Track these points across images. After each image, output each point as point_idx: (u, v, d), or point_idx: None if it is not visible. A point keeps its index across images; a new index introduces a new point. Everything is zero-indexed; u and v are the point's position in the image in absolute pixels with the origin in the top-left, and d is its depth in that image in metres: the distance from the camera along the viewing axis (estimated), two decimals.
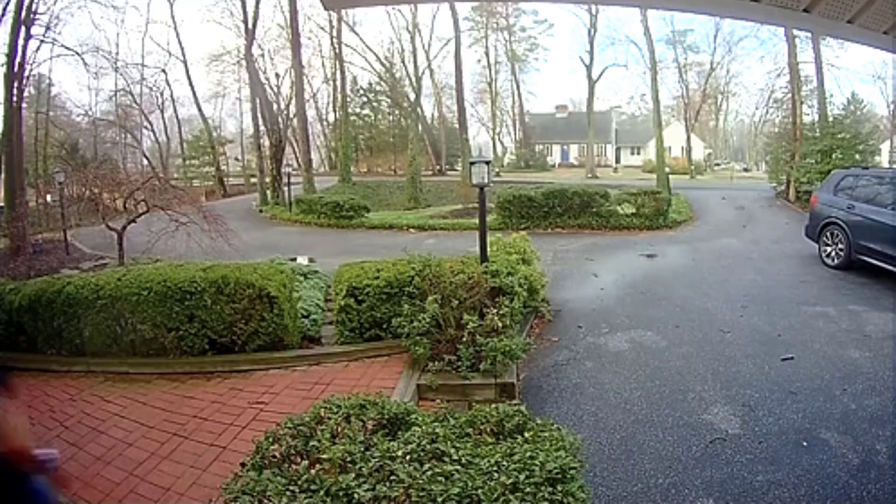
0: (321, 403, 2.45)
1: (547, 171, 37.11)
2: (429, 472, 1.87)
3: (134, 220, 9.73)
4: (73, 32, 47.50)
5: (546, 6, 62.24)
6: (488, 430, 2.29)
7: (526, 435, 2.17)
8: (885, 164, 24.42)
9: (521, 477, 1.86)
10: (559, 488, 1.86)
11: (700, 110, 35.88)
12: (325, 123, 37.29)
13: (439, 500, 1.77)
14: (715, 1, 2.56)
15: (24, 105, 18.88)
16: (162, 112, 30.34)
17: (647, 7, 17.37)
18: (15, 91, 16.70)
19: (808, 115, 19.11)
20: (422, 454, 2.02)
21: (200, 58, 44.75)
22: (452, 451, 2.05)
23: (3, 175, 16.70)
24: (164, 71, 28.60)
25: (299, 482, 1.87)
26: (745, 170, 40.39)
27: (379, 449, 2.03)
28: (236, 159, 34.95)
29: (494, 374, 4.22)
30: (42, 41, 19.54)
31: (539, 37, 38.13)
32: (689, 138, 33.11)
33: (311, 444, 2.12)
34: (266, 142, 23.00)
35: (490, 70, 37.98)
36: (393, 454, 2.00)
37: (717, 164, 40.93)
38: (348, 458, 1.98)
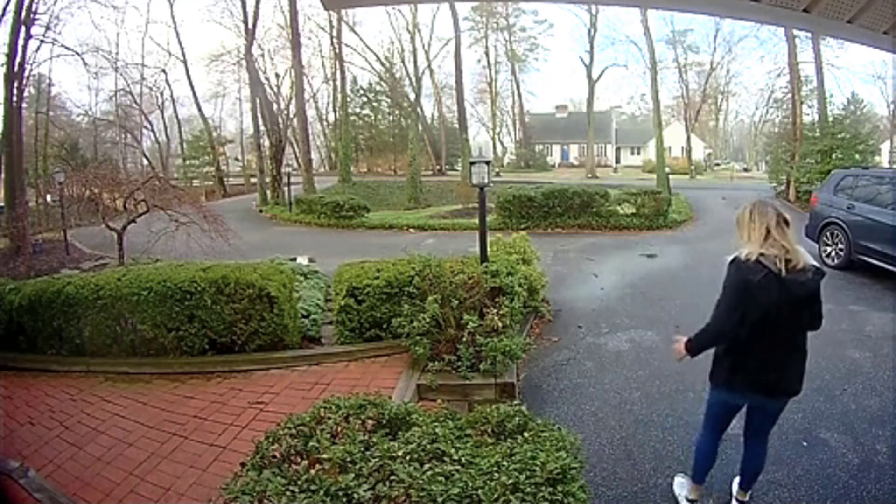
0: (321, 403, 2.45)
1: (547, 171, 37.12)
2: (429, 472, 1.87)
3: (134, 220, 9.73)
4: (73, 32, 47.57)
5: (546, 6, 62.25)
6: (489, 430, 2.28)
7: (526, 435, 2.17)
8: (885, 164, 24.41)
9: (522, 477, 1.86)
10: (560, 489, 1.86)
11: (700, 110, 35.86)
12: (325, 123, 37.31)
13: (439, 500, 1.77)
14: (715, 1, 2.56)
15: (24, 105, 18.89)
16: (162, 112, 30.39)
17: (647, 7, 17.36)
18: (15, 91, 16.73)
19: (808, 115, 19.13)
20: (422, 454, 2.02)
21: (200, 58, 44.81)
22: (453, 451, 2.05)
23: (3, 175, 16.70)
24: (164, 71, 28.67)
25: (299, 482, 1.87)
26: (745, 170, 40.39)
27: (379, 449, 2.02)
28: (236, 159, 34.93)
29: (494, 374, 4.21)
30: (42, 41, 19.57)
31: (539, 37, 38.21)
32: (689, 138, 33.10)
33: (311, 444, 2.12)
34: (266, 142, 22.99)
35: (490, 70, 38.03)
36: (393, 454, 2.00)
37: (717, 164, 40.93)
38: (348, 458, 1.97)
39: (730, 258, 2.44)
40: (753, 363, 2.45)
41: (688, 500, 2.90)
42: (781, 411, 2.66)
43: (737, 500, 2.89)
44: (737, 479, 2.91)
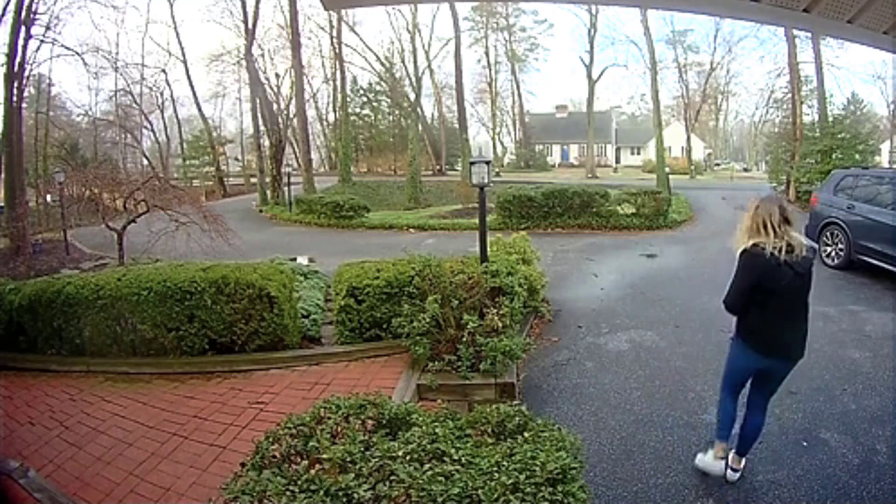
0: (321, 403, 2.45)
1: (547, 171, 37.10)
2: (429, 472, 1.87)
3: (134, 220, 9.72)
4: (73, 32, 47.58)
5: (546, 6, 62.18)
6: (489, 430, 2.28)
7: (526, 435, 2.16)
8: (885, 164, 24.41)
9: (522, 477, 1.86)
10: (560, 488, 1.86)
11: (700, 110, 35.82)
12: (325, 123, 37.29)
13: (439, 499, 1.77)
14: (715, 1, 2.56)
15: (24, 105, 18.88)
16: (162, 112, 30.37)
17: (647, 7, 17.35)
18: (15, 91, 16.70)
19: (808, 115, 19.13)
20: (422, 454, 2.02)
21: (200, 58, 44.83)
22: (453, 451, 2.05)
23: (3, 175, 16.69)
24: (164, 71, 28.64)
25: (299, 482, 1.87)
26: (745, 170, 40.39)
27: (379, 449, 2.02)
28: (236, 159, 34.91)
29: (494, 374, 4.21)
30: (42, 41, 19.52)
31: (539, 37, 38.16)
32: (689, 138, 33.08)
33: (311, 444, 2.12)
34: (266, 142, 22.97)
35: (490, 70, 37.99)
36: (393, 454, 2.00)
37: (717, 164, 40.94)
38: (348, 458, 1.97)
39: (739, 250, 2.85)
40: (771, 331, 2.83)
41: (716, 457, 3.14)
42: (787, 376, 3.00)
43: (731, 468, 3.08)
44: (732, 451, 3.13)
